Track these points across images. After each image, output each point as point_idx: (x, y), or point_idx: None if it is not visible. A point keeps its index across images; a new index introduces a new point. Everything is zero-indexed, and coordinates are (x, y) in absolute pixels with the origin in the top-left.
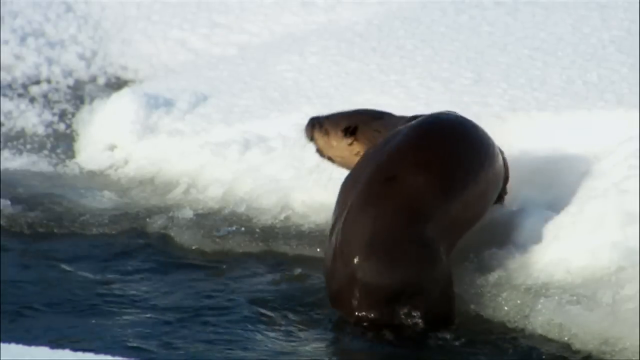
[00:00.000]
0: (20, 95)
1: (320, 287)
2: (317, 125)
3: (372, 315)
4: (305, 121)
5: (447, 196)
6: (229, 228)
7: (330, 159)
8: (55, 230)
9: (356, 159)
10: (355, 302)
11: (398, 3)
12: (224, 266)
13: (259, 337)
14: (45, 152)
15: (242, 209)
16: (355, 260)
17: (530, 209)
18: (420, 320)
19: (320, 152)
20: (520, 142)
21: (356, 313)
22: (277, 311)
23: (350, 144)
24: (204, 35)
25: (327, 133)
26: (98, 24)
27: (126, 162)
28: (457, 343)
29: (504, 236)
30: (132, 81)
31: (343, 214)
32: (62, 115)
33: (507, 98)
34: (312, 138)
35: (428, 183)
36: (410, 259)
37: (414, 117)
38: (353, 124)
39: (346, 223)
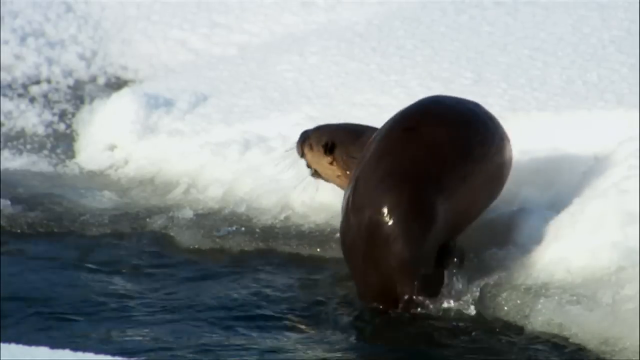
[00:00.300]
0: (20, 95)
1: (324, 286)
2: (306, 140)
3: (383, 263)
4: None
5: (465, 154)
6: (229, 228)
7: (316, 173)
8: (55, 230)
9: (337, 181)
10: (367, 252)
11: (398, 3)
12: (226, 267)
13: (271, 337)
14: (45, 152)
15: (242, 209)
16: (367, 211)
17: (530, 209)
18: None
19: (309, 166)
20: (520, 142)
21: (368, 263)
22: (286, 311)
23: (331, 163)
24: (204, 35)
25: (311, 147)
26: (98, 24)
27: (126, 162)
28: (457, 343)
29: (504, 236)
30: (132, 81)
31: (359, 166)
32: (62, 115)
33: (507, 98)
34: (302, 154)
35: (449, 136)
36: (414, 211)
37: None
38: (331, 140)
39: (361, 174)
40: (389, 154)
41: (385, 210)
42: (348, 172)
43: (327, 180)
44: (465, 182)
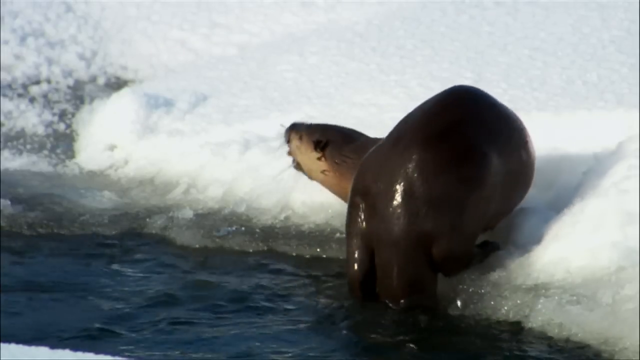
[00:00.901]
0: (20, 95)
1: (325, 287)
2: (295, 129)
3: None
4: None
5: (509, 136)
6: (229, 228)
7: (298, 165)
8: (55, 231)
9: (320, 177)
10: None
11: (398, 3)
12: (226, 267)
13: (271, 338)
14: (45, 152)
15: (242, 209)
16: (414, 156)
17: (530, 209)
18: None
19: (292, 154)
20: None
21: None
22: (286, 311)
23: (319, 159)
24: (204, 35)
25: (300, 138)
26: (98, 24)
27: (126, 162)
28: (456, 343)
29: (504, 236)
30: (132, 81)
31: (402, 125)
32: (62, 115)
33: (507, 98)
34: (288, 140)
35: (500, 114)
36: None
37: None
38: (325, 139)
39: (409, 125)
40: (453, 107)
41: (440, 167)
42: (337, 173)
43: (308, 173)
44: (509, 164)
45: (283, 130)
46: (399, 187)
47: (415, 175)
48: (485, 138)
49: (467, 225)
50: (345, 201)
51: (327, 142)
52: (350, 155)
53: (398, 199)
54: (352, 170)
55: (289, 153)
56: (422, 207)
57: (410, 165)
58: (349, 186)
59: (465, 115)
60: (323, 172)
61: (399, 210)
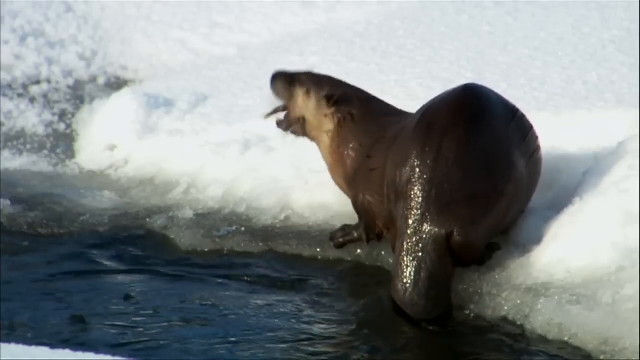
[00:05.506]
0: (20, 95)
1: (325, 287)
2: (297, 82)
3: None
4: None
5: (527, 135)
6: (229, 228)
7: (298, 125)
8: (55, 230)
9: (322, 137)
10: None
11: (398, 3)
12: (226, 267)
13: (270, 338)
14: (45, 152)
15: (242, 209)
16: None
17: (530, 209)
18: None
19: (291, 112)
20: None
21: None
22: (286, 311)
23: (326, 116)
24: (204, 35)
25: (308, 92)
26: (98, 24)
27: (126, 162)
28: (456, 343)
29: (504, 236)
30: (132, 81)
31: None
32: (62, 115)
33: (507, 98)
34: (290, 94)
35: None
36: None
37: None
38: (337, 95)
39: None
40: (474, 102)
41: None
42: (339, 133)
43: (309, 133)
44: (526, 167)
45: (273, 88)
46: (426, 176)
47: (443, 165)
48: (509, 134)
49: (490, 219)
50: (344, 182)
51: (339, 97)
52: (360, 121)
53: (423, 187)
54: (353, 132)
55: (283, 109)
56: (448, 198)
57: (440, 155)
58: (347, 155)
59: (488, 111)
60: (327, 132)
61: (423, 199)
